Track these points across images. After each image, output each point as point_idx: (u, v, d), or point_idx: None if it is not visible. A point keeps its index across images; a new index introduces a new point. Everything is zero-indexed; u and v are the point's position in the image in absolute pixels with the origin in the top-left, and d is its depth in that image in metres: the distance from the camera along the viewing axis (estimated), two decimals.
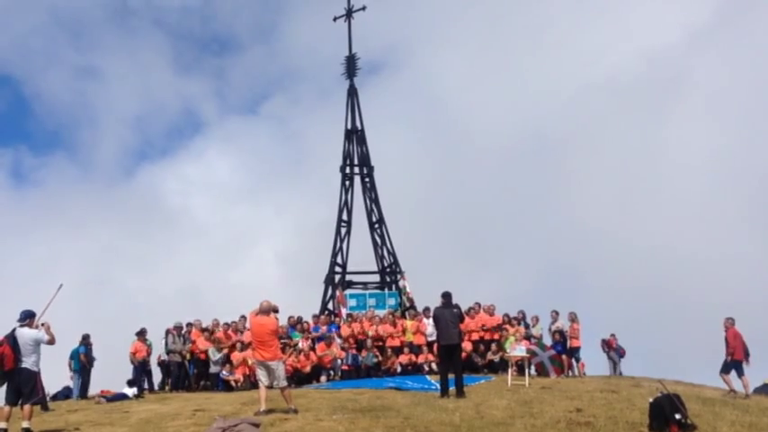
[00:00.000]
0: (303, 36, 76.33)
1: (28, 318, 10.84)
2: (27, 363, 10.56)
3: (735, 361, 16.02)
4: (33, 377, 10.68)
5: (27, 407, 10.54)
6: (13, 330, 10.66)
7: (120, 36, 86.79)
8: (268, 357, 11.88)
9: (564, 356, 19.06)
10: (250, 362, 14.62)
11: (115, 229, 65.80)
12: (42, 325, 11.09)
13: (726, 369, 16.08)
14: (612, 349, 21.57)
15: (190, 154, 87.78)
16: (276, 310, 12.24)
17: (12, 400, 10.56)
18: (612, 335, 22.06)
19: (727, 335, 16.23)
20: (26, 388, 10.54)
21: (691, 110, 60.56)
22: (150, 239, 68.12)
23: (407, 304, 25.04)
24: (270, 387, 12.15)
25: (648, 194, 59.01)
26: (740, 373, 16.03)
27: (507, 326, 20.47)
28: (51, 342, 11.04)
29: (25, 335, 10.64)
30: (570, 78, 73.72)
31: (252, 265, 60.05)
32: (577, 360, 19.73)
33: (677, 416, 9.19)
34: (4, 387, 10.73)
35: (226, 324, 20.57)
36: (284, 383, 11.97)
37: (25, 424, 10.43)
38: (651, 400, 9.77)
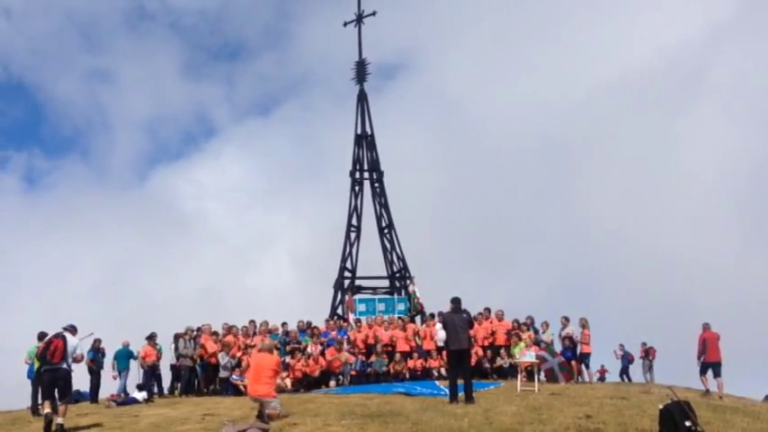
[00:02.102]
0: (316, 41, 76.43)
1: (72, 328, 12.28)
2: (65, 363, 11.77)
3: (708, 363, 17.04)
4: (68, 377, 11.95)
5: (62, 406, 11.67)
6: (61, 332, 11.96)
7: (135, 40, 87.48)
8: (262, 394, 11.87)
9: (573, 363, 18.99)
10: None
11: (131, 233, 66.06)
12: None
13: (703, 370, 17.12)
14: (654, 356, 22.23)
15: (203, 158, 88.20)
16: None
17: (48, 395, 11.70)
18: (644, 342, 22.65)
19: (699, 338, 17.40)
20: (61, 384, 11.73)
21: (708, 108, 60.08)
22: (166, 243, 68.31)
23: (417, 309, 25.02)
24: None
25: (665, 195, 58.55)
26: (717, 374, 16.93)
27: (518, 331, 20.40)
28: (80, 359, 12.33)
29: (71, 339, 11.95)
30: (584, 77, 73.33)
31: (267, 269, 60.15)
32: (587, 366, 19.65)
33: (687, 423, 9.13)
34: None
35: (236, 328, 20.59)
36: (273, 411, 11.64)
37: (60, 420, 11.39)
38: (661, 406, 9.71)
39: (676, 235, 53.48)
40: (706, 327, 17.50)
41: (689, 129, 59.38)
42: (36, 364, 12.33)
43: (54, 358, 11.61)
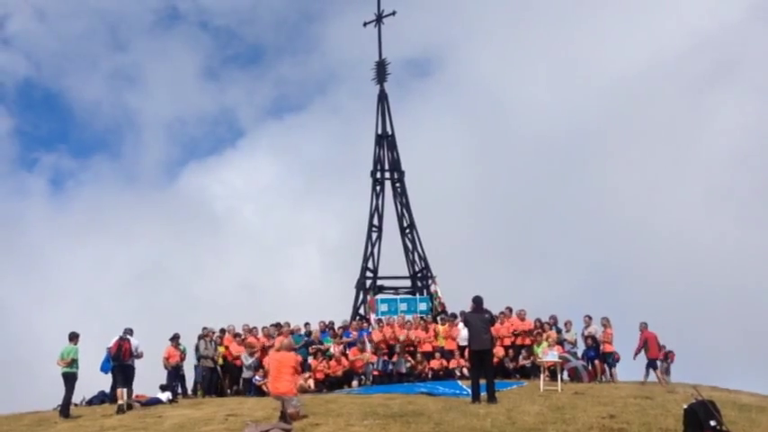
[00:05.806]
0: (342, 41, 76.00)
1: (131, 331, 15.88)
2: (131, 360, 15.57)
3: (650, 359, 18.57)
4: (134, 372, 15.68)
5: (131, 392, 15.54)
6: (125, 336, 15.56)
7: (163, 40, 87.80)
8: (283, 391, 11.92)
9: (597, 362, 18.87)
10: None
11: (162, 233, 66.28)
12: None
13: (652, 366, 18.63)
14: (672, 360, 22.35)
15: (232, 158, 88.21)
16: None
17: (122, 384, 15.28)
18: (663, 345, 22.59)
19: (640, 337, 18.76)
20: (131, 376, 15.55)
21: (742, 93, 58.48)
22: (199, 242, 68.41)
23: (439, 309, 24.99)
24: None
25: (698, 186, 56.89)
26: (654, 368, 18.71)
27: (540, 330, 20.26)
28: (141, 356, 15.95)
29: (133, 340, 15.64)
30: (613, 65, 70.96)
31: (299, 267, 59.84)
32: (610, 365, 19.52)
33: (712, 422, 9.03)
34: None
35: (256, 329, 20.68)
36: (293, 410, 11.67)
37: (129, 401, 15.12)
38: (686, 406, 9.61)
39: (710, 229, 51.89)
40: (644, 326, 18.92)
41: (722, 116, 57.55)
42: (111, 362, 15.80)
43: (124, 357, 15.25)
